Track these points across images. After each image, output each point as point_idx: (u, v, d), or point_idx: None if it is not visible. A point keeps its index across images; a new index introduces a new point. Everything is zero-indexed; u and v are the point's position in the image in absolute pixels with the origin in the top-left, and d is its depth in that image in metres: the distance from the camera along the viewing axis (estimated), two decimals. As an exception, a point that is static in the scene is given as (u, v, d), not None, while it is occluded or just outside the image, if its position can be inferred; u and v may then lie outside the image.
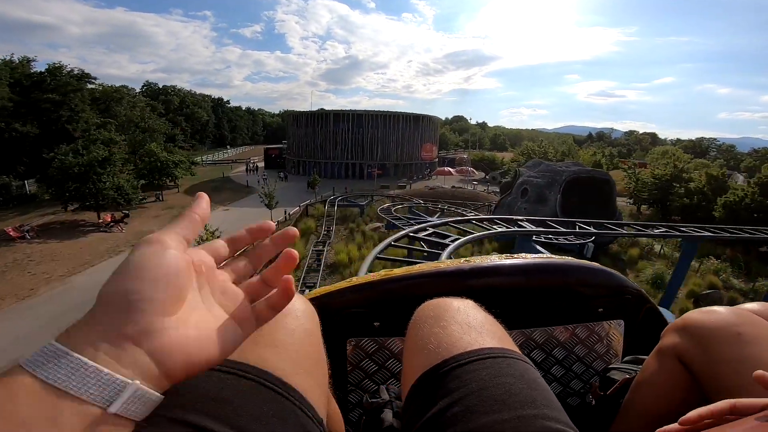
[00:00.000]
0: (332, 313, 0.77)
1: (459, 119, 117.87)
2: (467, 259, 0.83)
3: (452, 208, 21.98)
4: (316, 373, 0.49)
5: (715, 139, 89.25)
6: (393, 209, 19.15)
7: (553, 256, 0.89)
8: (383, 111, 47.57)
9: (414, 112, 55.79)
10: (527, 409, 0.42)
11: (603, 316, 0.85)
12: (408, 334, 0.60)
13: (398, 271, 0.79)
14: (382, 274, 0.80)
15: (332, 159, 45.61)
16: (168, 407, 0.32)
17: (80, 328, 0.28)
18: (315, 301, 0.70)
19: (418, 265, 0.82)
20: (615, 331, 0.86)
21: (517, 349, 0.53)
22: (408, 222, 16.41)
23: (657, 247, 21.13)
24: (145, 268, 0.30)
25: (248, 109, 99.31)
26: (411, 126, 47.48)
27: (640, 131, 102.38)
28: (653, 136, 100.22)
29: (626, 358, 0.82)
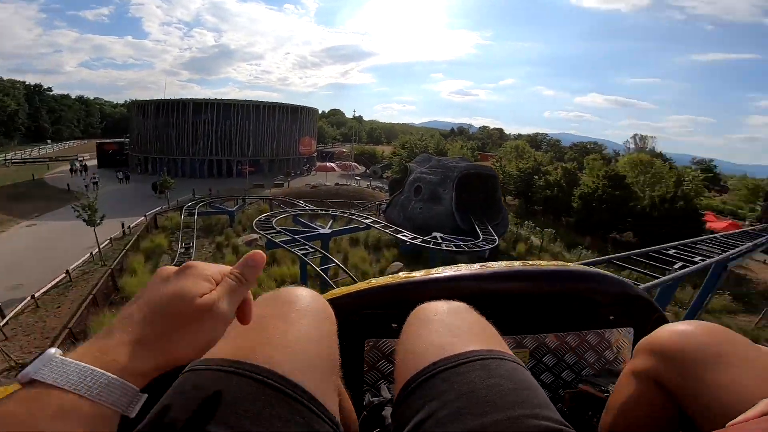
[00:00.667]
0: (351, 314, 0.77)
1: (336, 112, 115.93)
2: (484, 264, 0.84)
3: (346, 213, 19.22)
4: (330, 372, 0.50)
5: (546, 134, 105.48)
6: (273, 221, 15.37)
7: (569, 264, 0.89)
8: (256, 101, 42.37)
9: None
10: (518, 410, 0.42)
11: (613, 324, 0.87)
12: (400, 337, 0.61)
13: (417, 274, 0.82)
14: (401, 276, 0.82)
15: (192, 155, 38.60)
16: (173, 408, 0.39)
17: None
18: (335, 301, 0.73)
19: (437, 269, 0.83)
20: (624, 338, 0.88)
21: (508, 351, 0.53)
22: (295, 238, 13.17)
23: (536, 242, 21.99)
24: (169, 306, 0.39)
25: (80, 98, 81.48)
26: (288, 118, 43.20)
27: (491, 126, 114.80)
28: (501, 131, 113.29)
29: (602, 369, 0.85)
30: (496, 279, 0.81)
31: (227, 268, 0.45)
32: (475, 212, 20.16)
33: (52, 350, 0.34)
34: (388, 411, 0.65)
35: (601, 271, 0.88)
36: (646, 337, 0.57)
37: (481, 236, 16.34)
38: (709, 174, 76.94)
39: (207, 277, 0.42)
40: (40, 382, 0.32)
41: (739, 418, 0.38)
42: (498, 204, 21.78)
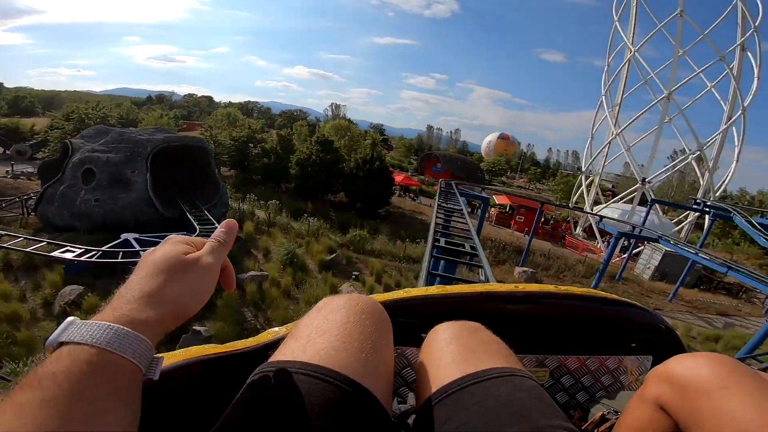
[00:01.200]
0: None
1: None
2: (518, 284, 0.85)
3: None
4: (389, 378, 0.53)
5: (257, 102, 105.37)
6: None
7: (600, 291, 0.90)
8: None
9: None
10: (542, 420, 0.45)
11: (634, 351, 0.88)
12: (420, 355, 0.64)
13: (451, 289, 0.83)
14: (435, 289, 0.83)
15: None
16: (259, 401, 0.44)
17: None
18: None
19: (471, 285, 0.86)
20: (642, 366, 0.89)
21: (524, 368, 0.56)
22: None
23: (263, 216, 20.30)
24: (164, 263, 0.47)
25: None
26: None
27: (198, 95, 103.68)
28: (210, 99, 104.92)
29: (619, 395, 0.85)
30: (531, 299, 0.82)
31: (201, 239, 0.54)
32: (185, 194, 16.25)
33: (71, 318, 0.39)
34: (414, 419, 0.64)
35: (628, 299, 0.89)
36: (658, 365, 0.57)
37: (198, 227, 12.94)
38: (383, 137, 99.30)
39: (185, 242, 0.51)
40: (67, 343, 0.36)
41: None
42: (213, 180, 18.47)
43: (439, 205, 9.09)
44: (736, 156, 29.88)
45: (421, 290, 0.82)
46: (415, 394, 0.61)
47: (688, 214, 31.86)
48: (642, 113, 32.65)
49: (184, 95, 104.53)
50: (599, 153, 35.47)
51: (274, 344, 0.64)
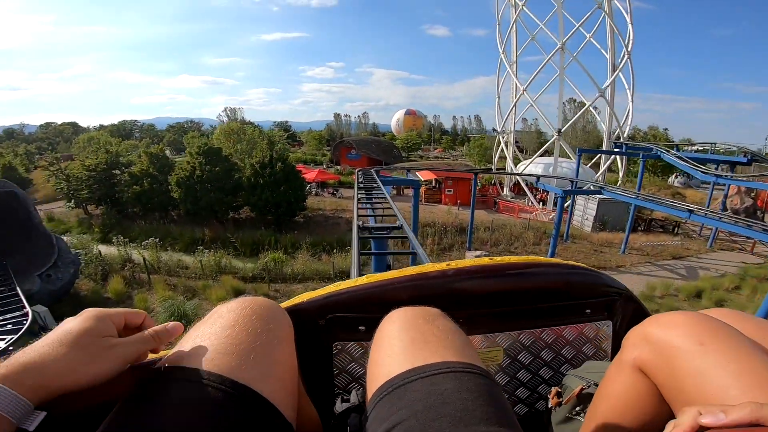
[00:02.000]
0: (317, 318, 0.76)
1: None
2: (450, 262, 0.80)
3: None
4: (287, 379, 0.51)
5: (136, 120, 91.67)
6: None
7: (540, 257, 0.85)
8: None
9: None
10: (483, 426, 0.41)
11: (590, 318, 0.83)
12: (373, 343, 0.60)
13: (380, 276, 0.78)
14: (365, 279, 0.79)
15: None
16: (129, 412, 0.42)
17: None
18: (299, 306, 0.72)
19: (401, 269, 0.80)
20: (603, 332, 0.85)
21: (481, 363, 0.52)
22: None
23: (142, 257, 15.05)
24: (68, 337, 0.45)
25: None
26: None
27: (59, 122, 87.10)
28: (74, 125, 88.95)
29: (584, 364, 0.80)
30: (463, 276, 0.76)
31: (131, 315, 0.53)
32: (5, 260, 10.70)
33: None
34: (355, 418, 0.61)
35: (577, 264, 0.83)
36: (634, 327, 0.56)
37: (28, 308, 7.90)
38: (289, 133, 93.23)
39: (110, 319, 0.49)
40: None
41: (721, 420, 0.35)
42: (40, 234, 12.79)
43: (359, 199, 7.62)
44: (630, 98, 30.28)
45: (350, 282, 0.77)
46: (366, 388, 0.56)
47: (600, 159, 32.06)
48: (542, 67, 31.77)
49: (40, 125, 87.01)
50: (510, 113, 34.41)
51: None
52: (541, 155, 33.17)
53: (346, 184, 38.41)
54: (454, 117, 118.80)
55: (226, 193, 21.08)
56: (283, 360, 0.51)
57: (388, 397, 0.48)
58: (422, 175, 32.24)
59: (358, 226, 4.72)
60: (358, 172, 13.85)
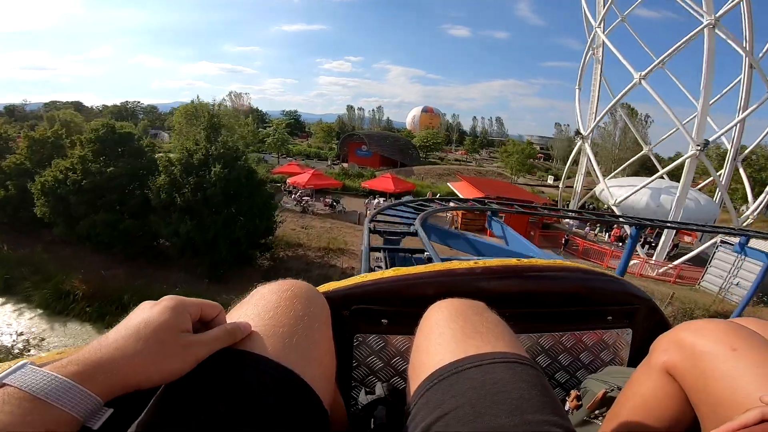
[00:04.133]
0: (341, 308, 0.74)
1: None
2: (478, 260, 0.79)
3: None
4: (326, 364, 0.50)
5: (139, 102, 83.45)
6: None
7: (566, 261, 0.84)
8: None
9: None
10: (538, 415, 0.41)
11: (611, 325, 0.82)
12: (419, 332, 0.59)
13: (406, 270, 0.76)
14: (391, 272, 0.77)
15: None
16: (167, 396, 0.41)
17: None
18: (326, 295, 0.68)
19: (428, 265, 0.79)
20: (622, 339, 0.83)
21: (527, 355, 0.52)
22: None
23: None
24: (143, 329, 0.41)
25: None
26: None
27: (62, 101, 79.12)
28: (78, 104, 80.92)
29: (606, 369, 0.79)
30: (490, 275, 0.74)
31: (211, 307, 0.48)
32: None
33: (24, 361, 0.37)
34: (381, 410, 0.61)
35: (603, 271, 0.83)
36: (665, 333, 0.55)
37: None
38: (296, 122, 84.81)
39: (189, 311, 0.45)
40: (8, 386, 0.34)
41: (734, 423, 0.37)
42: None
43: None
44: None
45: (377, 274, 0.75)
46: (409, 377, 0.55)
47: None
48: (684, 43, 21.52)
49: (45, 104, 78.27)
50: (605, 110, 23.66)
51: None
52: (622, 173, 23.01)
53: (352, 191, 28.79)
54: (474, 117, 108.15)
55: (130, 212, 11.47)
56: (323, 344, 0.50)
57: (439, 384, 0.47)
58: (459, 190, 22.37)
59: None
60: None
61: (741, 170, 16.98)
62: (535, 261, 0.80)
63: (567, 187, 36.10)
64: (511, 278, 0.75)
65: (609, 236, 21.99)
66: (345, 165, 38.38)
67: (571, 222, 23.74)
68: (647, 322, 0.83)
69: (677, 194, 17.61)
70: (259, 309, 0.49)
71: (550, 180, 42.87)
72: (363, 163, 40.18)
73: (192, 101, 21.77)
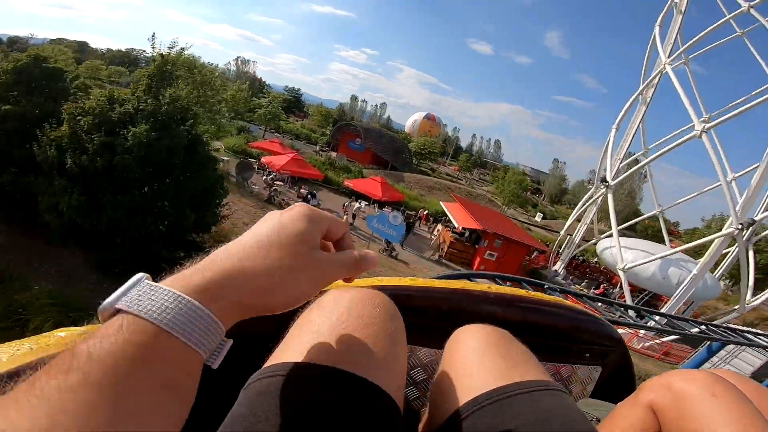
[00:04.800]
0: None
1: None
2: (491, 285, 0.83)
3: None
4: (404, 380, 0.48)
5: (144, 50, 77.92)
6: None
7: (567, 301, 0.89)
8: None
9: None
10: None
11: (587, 361, 0.87)
12: (452, 352, 0.59)
13: (424, 282, 0.77)
14: (408, 280, 0.77)
15: None
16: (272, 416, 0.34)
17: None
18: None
19: (445, 281, 0.80)
20: (592, 375, 0.88)
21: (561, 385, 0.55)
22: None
23: None
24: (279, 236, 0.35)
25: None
26: None
27: (69, 39, 72.98)
28: (83, 45, 74.60)
29: (582, 401, 0.83)
30: (501, 302, 0.79)
31: (341, 227, 0.42)
32: None
33: (139, 274, 0.31)
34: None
35: (591, 311, 0.89)
36: (656, 377, 0.59)
37: None
38: (296, 100, 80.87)
39: (324, 225, 0.39)
40: (124, 312, 0.27)
41: None
42: None
43: None
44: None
45: (393, 280, 0.75)
46: (440, 393, 0.55)
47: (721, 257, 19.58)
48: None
49: (51, 40, 70.85)
50: (626, 156, 20.47)
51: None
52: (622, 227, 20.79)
53: (334, 186, 25.28)
54: (474, 135, 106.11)
55: (18, 165, 8.04)
56: (404, 359, 0.48)
57: (491, 408, 0.47)
58: (452, 212, 19.62)
59: None
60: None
61: (750, 252, 14.75)
62: (540, 295, 0.84)
63: (550, 230, 34.28)
64: (519, 308, 0.79)
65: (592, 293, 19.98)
66: (333, 154, 35.09)
67: (559, 271, 21.46)
68: (615, 363, 0.89)
69: (695, 272, 15.32)
70: (346, 320, 0.43)
71: (538, 218, 40.80)
72: (353, 156, 37.06)
73: (169, 49, 18.45)
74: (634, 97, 19.63)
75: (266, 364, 0.41)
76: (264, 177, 19.36)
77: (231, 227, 11.18)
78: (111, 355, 0.24)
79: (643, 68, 20.76)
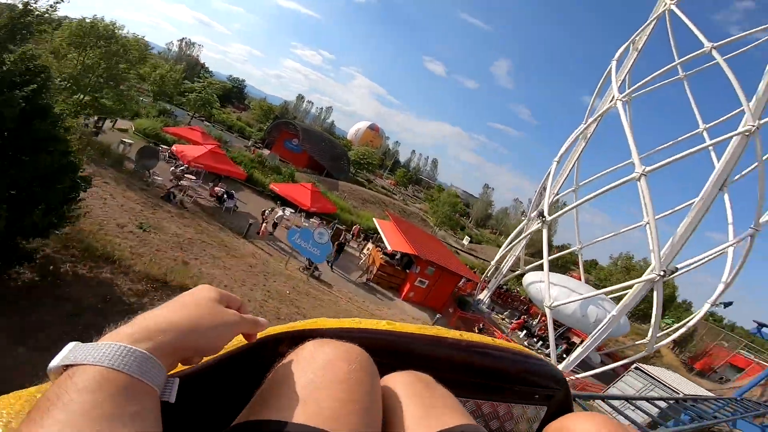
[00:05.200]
0: None
1: None
2: (463, 333, 0.85)
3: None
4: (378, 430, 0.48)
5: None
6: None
7: (520, 347, 0.92)
8: None
9: None
10: None
11: (536, 402, 0.91)
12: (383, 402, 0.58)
13: (401, 327, 0.79)
14: (385, 324, 0.78)
15: None
16: None
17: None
18: (316, 333, 0.67)
19: (420, 326, 0.81)
20: (539, 414, 0.92)
21: (478, 424, 0.56)
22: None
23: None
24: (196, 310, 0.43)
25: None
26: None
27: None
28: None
29: None
30: (472, 349, 0.83)
31: (237, 301, 0.51)
32: None
33: (73, 342, 0.35)
34: None
35: (542, 358, 0.93)
36: (555, 421, 0.61)
37: None
38: (237, 91, 75.21)
39: (222, 295, 0.48)
40: (72, 366, 0.31)
41: None
42: None
43: None
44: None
45: (371, 323, 0.76)
46: None
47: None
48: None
49: None
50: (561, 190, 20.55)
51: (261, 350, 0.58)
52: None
53: (259, 187, 21.71)
54: (413, 151, 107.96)
55: None
56: (380, 420, 0.49)
57: None
58: (385, 231, 18.15)
59: None
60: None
61: (657, 293, 15.33)
62: (504, 343, 0.89)
63: (476, 255, 34.82)
64: (486, 355, 0.84)
65: (511, 323, 19.91)
66: (266, 152, 32.06)
67: (484, 300, 21.07)
68: (559, 403, 0.94)
69: (614, 313, 15.51)
70: (328, 377, 0.45)
71: (465, 241, 41.34)
72: (288, 157, 34.32)
73: (84, 18, 15.90)
74: (579, 131, 19.72)
75: (243, 418, 0.42)
76: (172, 168, 16.17)
77: (96, 229, 8.33)
78: (80, 395, 0.28)
79: (591, 102, 21.00)
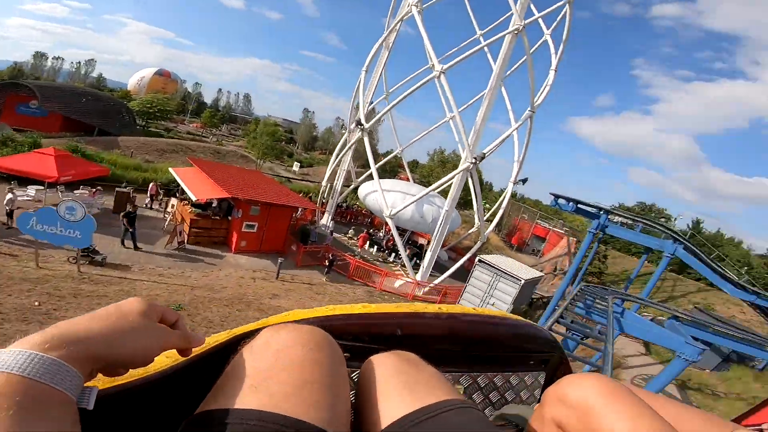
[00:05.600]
0: None
1: None
2: (441, 306, 0.83)
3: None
4: (348, 417, 0.48)
5: None
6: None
7: (507, 313, 0.92)
8: None
9: None
10: None
11: (532, 368, 0.91)
12: (360, 386, 0.58)
13: (376, 308, 0.77)
14: (360, 307, 0.77)
15: None
16: None
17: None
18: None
19: (397, 304, 0.81)
20: (538, 381, 0.92)
21: (464, 398, 0.56)
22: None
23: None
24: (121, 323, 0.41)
25: None
26: None
27: None
28: None
29: (495, 413, 0.82)
30: (453, 320, 0.81)
31: (174, 316, 0.50)
32: None
33: None
34: None
35: (532, 322, 0.93)
36: (553, 385, 0.59)
37: None
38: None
39: (154, 308, 0.46)
40: None
41: None
42: None
43: None
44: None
45: (346, 308, 0.75)
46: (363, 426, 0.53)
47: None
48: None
49: None
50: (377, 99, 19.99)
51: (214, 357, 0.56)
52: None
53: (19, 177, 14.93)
54: (220, 90, 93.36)
55: None
56: (346, 396, 0.48)
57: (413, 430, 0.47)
58: (187, 181, 14.60)
59: None
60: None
61: (473, 179, 17.28)
62: (487, 311, 0.87)
63: (310, 180, 33.53)
64: (468, 324, 0.82)
65: (357, 239, 20.02)
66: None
67: (327, 225, 20.39)
68: (556, 367, 0.94)
69: (446, 208, 16.69)
70: (282, 362, 0.45)
71: (295, 167, 39.16)
72: (29, 124, 24.79)
73: None
74: (381, 39, 19.51)
75: (198, 410, 0.41)
76: None
77: None
78: None
79: (388, 16, 21.02)
